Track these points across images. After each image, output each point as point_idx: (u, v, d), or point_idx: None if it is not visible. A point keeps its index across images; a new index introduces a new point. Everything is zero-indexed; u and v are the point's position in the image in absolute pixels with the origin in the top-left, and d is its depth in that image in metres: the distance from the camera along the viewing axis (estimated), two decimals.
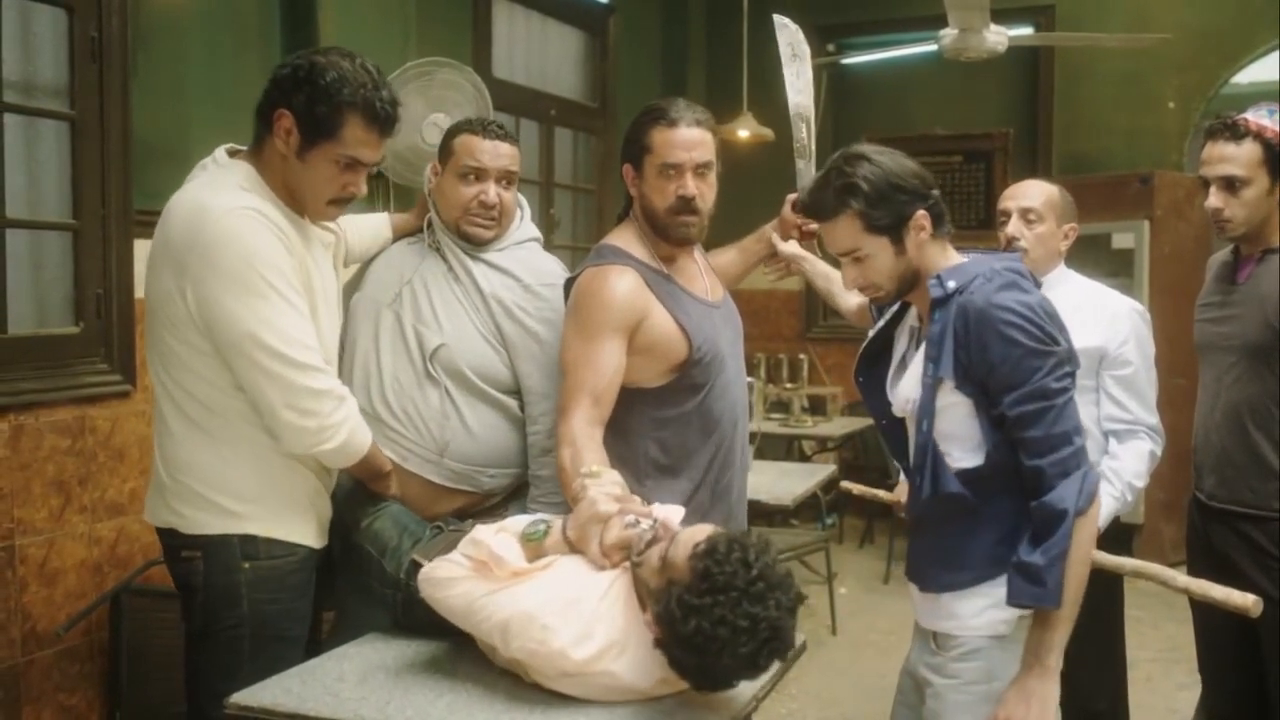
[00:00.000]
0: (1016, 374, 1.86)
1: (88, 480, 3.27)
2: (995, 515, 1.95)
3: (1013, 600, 1.90)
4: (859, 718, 4.02)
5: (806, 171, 2.80)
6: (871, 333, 2.21)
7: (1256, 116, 2.52)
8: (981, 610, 1.97)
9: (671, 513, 2.01)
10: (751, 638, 1.72)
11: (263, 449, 2.14)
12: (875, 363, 2.18)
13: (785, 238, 2.78)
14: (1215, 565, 2.62)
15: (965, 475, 1.95)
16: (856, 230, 1.95)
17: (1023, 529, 1.91)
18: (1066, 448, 1.87)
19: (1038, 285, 2.01)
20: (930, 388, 1.95)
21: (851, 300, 2.62)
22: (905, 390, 2.03)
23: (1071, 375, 1.92)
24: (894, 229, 1.94)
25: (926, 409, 1.96)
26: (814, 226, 2.73)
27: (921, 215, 1.95)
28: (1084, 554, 1.89)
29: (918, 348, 2.05)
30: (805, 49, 2.86)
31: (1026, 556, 1.87)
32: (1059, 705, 2.89)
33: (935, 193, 1.99)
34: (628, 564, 1.92)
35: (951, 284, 1.93)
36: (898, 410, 2.09)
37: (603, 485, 2.01)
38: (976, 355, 1.88)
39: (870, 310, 2.31)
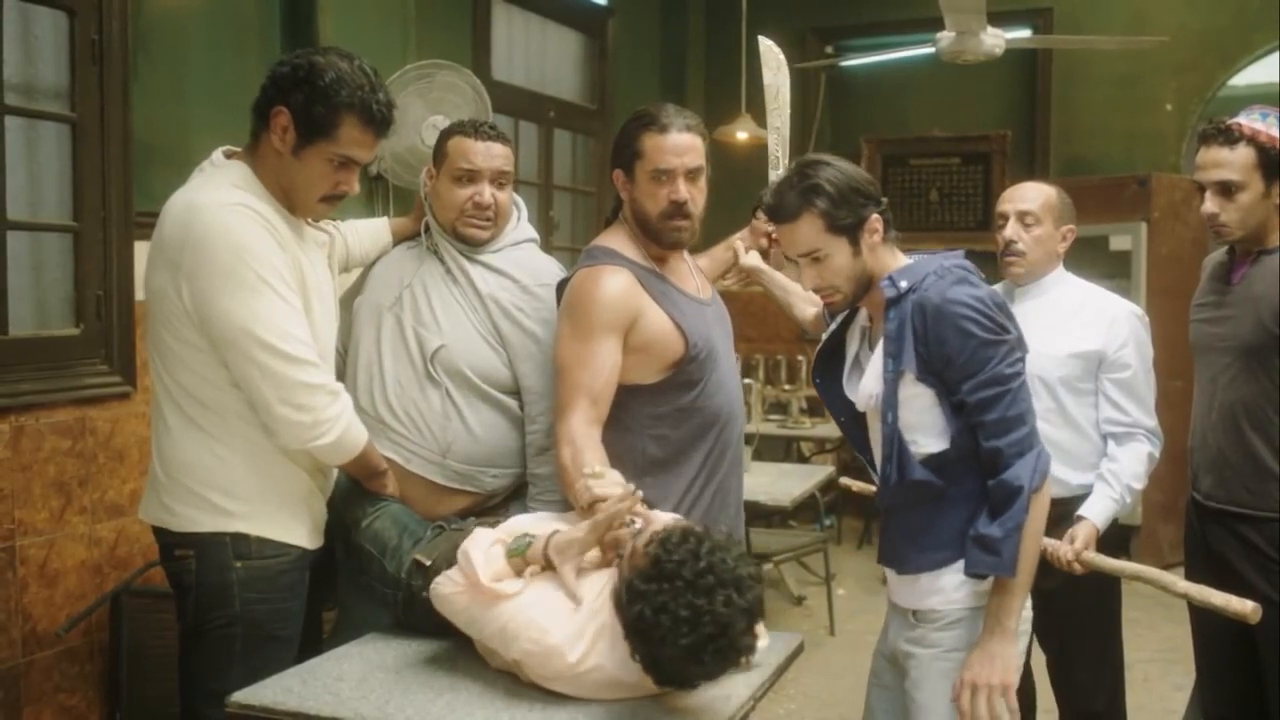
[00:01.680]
0: (973, 363, 1.98)
1: (88, 481, 3.27)
2: (962, 496, 2.05)
3: (970, 570, 2.02)
4: (857, 718, 4.02)
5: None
6: (824, 336, 2.30)
7: (1249, 120, 2.52)
8: (961, 584, 2.06)
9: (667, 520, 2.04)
10: (693, 630, 1.72)
11: (259, 448, 2.15)
12: (830, 364, 2.27)
13: (756, 245, 2.83)
14: (1213, 566, 2.63)
15: (932, 461, 2.05)
16: (818, 230, 2.04)
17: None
18: (1021, 428, 2.00)
19: (984, 279, 2.12)
20: (892, 382, 2.05)
21: (809, 310, 2.69)
22: (867, 387, 2.12)
23: (1022, 360, 2.04)
24: (852, 230, 2.05)
25: (890, 402, 2.05)
26: None
27: (875, 219, 2.07)
28: (1037, 528, 2.01)
29: (871, 348, 2.15)
30: (784, 66, 2.91)
31: (984, 529, 1.99)
32: (1058, 706, 2.94)
33: (885, 200, 2.11)
34: (614, 567, 1.94)
35: (904, 283, 2.04)
36: (861, 406, 2.18)
37: (605, 485, 2.02)
38: (934, 348, 2.00)
39: (824, 318, 2.39)
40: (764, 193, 2.14)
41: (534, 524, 1.98)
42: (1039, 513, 2.01)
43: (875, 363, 2.10)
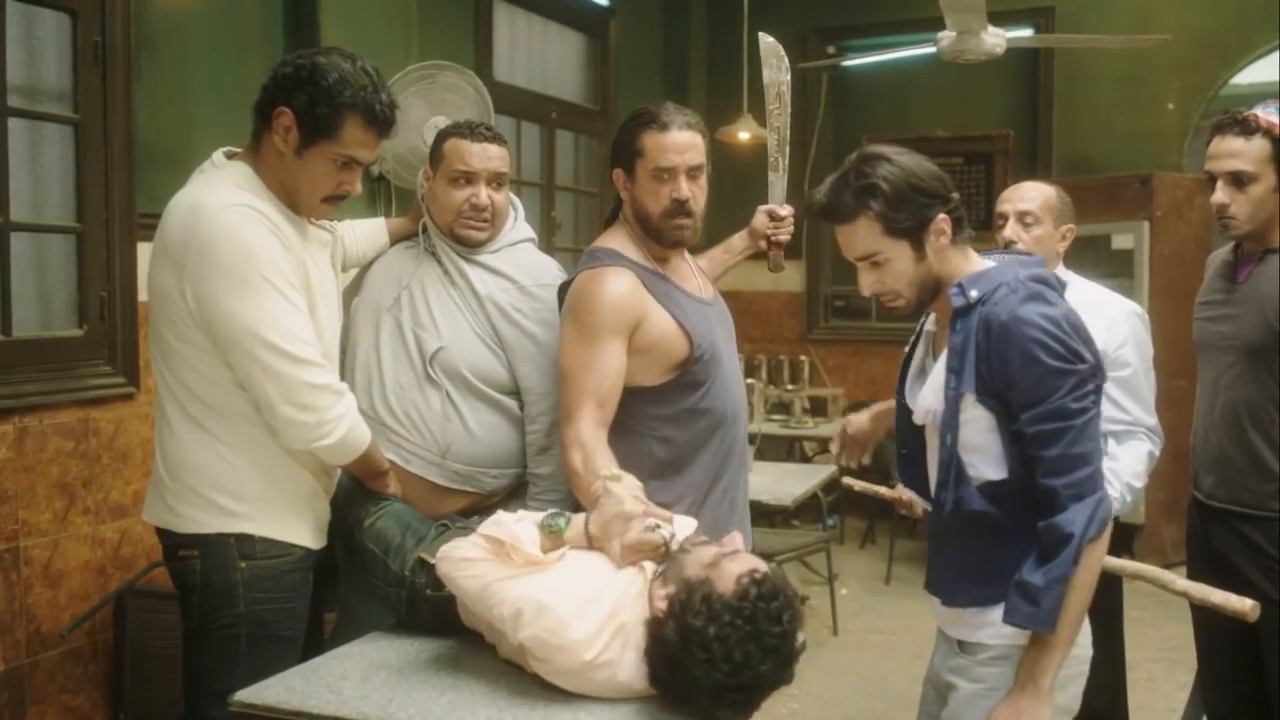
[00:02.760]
0: (1036, 391, 1.81)
1: (92, 482, 3.28)
2: (1020, 529, 1.88)
3: (1007, 617, 1.86)
4: (861, 718, 4.03)
5: (778, 184, 2.83)
6: (907, 348, 2.15)
7: (1266, 113, 2.51)
8: None
9: (687, 525, 2.05)
10: (731, 673, 1.73)
11: (263, 448, 2.16)
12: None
13: (755, 246, 2.81)
14: (1214, 565, 2.62)
15: (990, 489, 1.90)
16: (876, 233, 1.88)
17: None
18: (1083, 469, 1.82)
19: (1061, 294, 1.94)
20: (953, 401, 1.89)
21: None
22: (926, 400, 1.98)
23: (1095, 392, 1.85)
24: (914, 233, 1.88)
25: (950, 423, 1.90)
26: (782, 237, 2.77)
27: (942, 219, 1.89)
28: (1088, 580, 1.84)
29: (934, 356, 2.02)
30: (785, 62, 2.88)
31: (1028, 576, 1.83)
32: None
33: (955, 196, 1.93)
34: (643, 566, 1.94)
35: (974, 293, 1.87)
36: (918, 419, 2.02)
37: (625, 488, 2.02)
38: (997, 369, 1.83)
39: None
40: (817, 190, 1.98)
41: (513, 521, 1.97)
42: (1092, 564, 1.83)
43: (937, 376, 1.95)
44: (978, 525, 1.91)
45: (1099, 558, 1.85)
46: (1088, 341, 1.86)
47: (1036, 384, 1.81)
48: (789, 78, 2.87)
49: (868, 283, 1.95)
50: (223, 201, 2.08)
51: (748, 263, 2.91)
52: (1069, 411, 1.81)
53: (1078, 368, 1.82)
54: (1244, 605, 2.18)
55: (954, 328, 1.89)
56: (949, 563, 2.01)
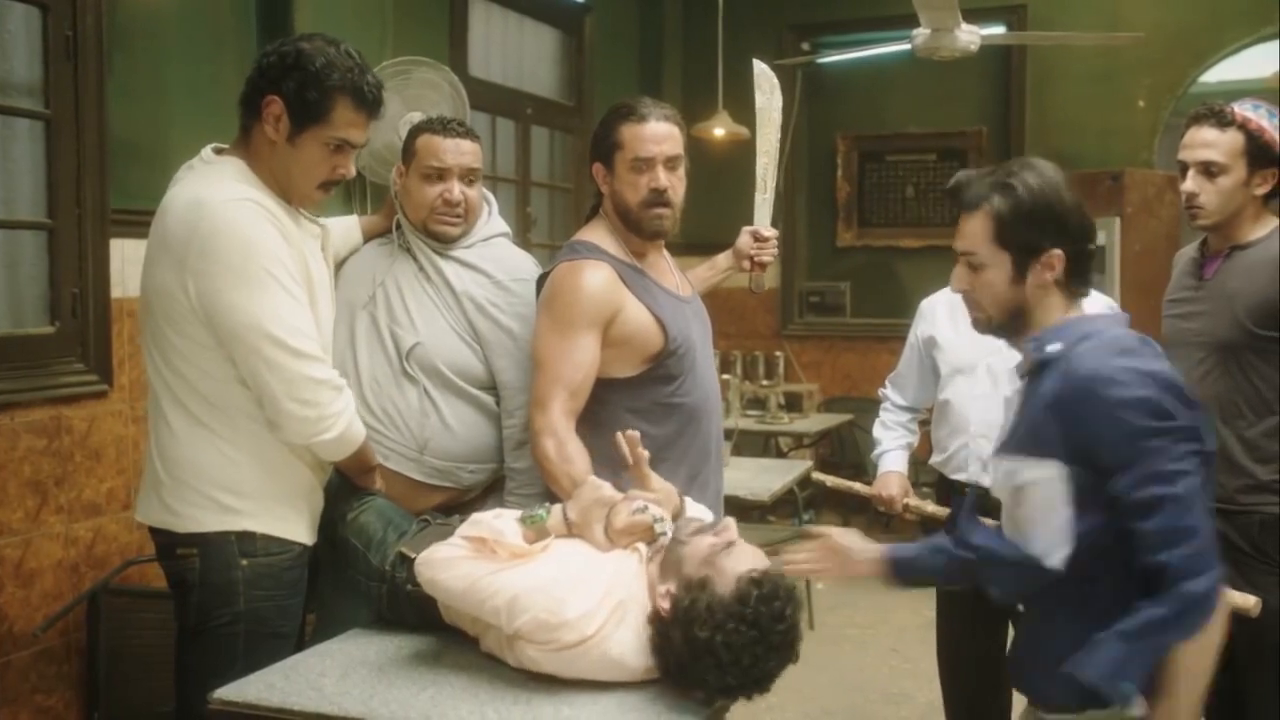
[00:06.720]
0: (1125, 453, 1.64)
1: (64, 480, 3.25)
2: (1098, 607, 1.71)
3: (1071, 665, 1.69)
4: (838, 711, 4.05)
5: (764, 205, 2.85)
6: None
7: (1242, 109, 2.56)
8: None
9: (698, 510, 2.09)
10: (740, 676, 1.77)
11: (263, 444, 2.15)
12: None
13: (739, 266, 2.84)
14: None
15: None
16: (985, 233, 1.77)
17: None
18: (1189, 544, 1.64)
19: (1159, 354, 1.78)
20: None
21: None
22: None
23: (1195, 456, 1.67)
24: (1021, 252, 1.76)
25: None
26: (765, 258, 2.79)
27: (1056, 254, 1.75)
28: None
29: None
30: (778, 89, 2.91)
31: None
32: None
33: (1088, 245, 1.81)
34: (636, 547, 1.95)
35: (1052, 347, 1.74)
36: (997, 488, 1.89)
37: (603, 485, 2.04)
38: (1074, 429, 1.67)
39: None
40: (961, 172, 1.89)
41: (491, 519, 1.98)
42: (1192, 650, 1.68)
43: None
44: (1058, 594, 1.76)
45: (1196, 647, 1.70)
46: (1188, 402, 1.68)
47: (1123, 444, 1.64)
48: (781, 103, 2.90)
49: (957, 278, 1.86)
50: (225, 196, 2.07)
51: None
52: (1166, 475, 1.63)
53: (1167, 424, 1.64)
54: (1247, 602, 2.18)
55: (1021, 377, 1.81)
56: (1025, 648, 1.88)
